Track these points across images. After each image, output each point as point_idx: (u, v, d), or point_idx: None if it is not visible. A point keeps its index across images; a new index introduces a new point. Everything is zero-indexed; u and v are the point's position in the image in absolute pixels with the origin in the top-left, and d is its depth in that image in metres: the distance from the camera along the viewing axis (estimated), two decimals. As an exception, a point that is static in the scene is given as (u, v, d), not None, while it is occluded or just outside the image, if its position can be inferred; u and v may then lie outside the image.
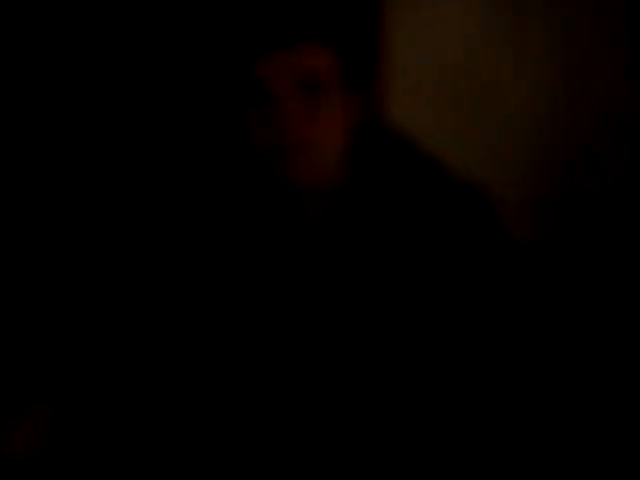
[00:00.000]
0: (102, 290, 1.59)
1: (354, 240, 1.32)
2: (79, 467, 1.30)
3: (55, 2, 1.69)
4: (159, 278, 1.38)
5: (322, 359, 1.31)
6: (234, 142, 1.39)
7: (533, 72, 1.97)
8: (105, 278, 1.60)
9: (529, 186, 1.97)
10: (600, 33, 1.96)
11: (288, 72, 1.27)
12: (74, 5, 1.70)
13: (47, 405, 1.30)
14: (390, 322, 1.29)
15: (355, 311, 1.30)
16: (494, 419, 1.27)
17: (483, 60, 1.86)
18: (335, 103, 1.30)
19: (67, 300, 1.62)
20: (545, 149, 2.00)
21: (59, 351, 1.45)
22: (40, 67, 1.70)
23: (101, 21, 1.73)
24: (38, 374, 1.39)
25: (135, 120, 1.76)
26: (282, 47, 1.26)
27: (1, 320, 1.59)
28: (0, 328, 1.58)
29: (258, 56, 1.27)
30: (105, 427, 1.33)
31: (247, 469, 1.30)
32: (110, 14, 1.74)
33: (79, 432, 1.32)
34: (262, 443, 1.30)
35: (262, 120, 1.28)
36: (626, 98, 1.98)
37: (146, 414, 1.33)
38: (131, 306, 1.38)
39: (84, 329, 1.45)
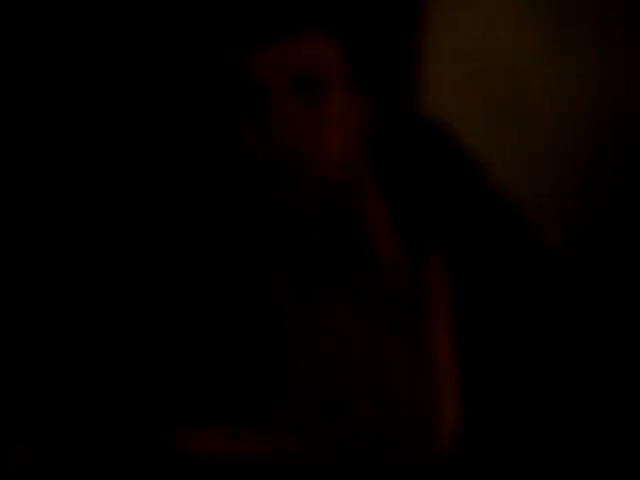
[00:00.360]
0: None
1: None
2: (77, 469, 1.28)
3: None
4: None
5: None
6: (224, 151, 1.28)
7: (574, 72, 1.91)
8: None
9: (565, 192, 1.91)
10: None
11: (282, 65, 1.15)
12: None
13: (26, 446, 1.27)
14: None
15: None
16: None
17: (525, 60, 1.81)
18: (338, 102, 1.18)
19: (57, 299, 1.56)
20: (584, 152, 1.94)
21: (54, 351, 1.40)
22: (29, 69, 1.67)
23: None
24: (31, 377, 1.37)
25: (123, 121, 1.70)
26: (276, 37, 1.15)
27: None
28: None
29: (249, 46, 1.15)
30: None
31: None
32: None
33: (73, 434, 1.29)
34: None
35: (254, 124, 1.17)
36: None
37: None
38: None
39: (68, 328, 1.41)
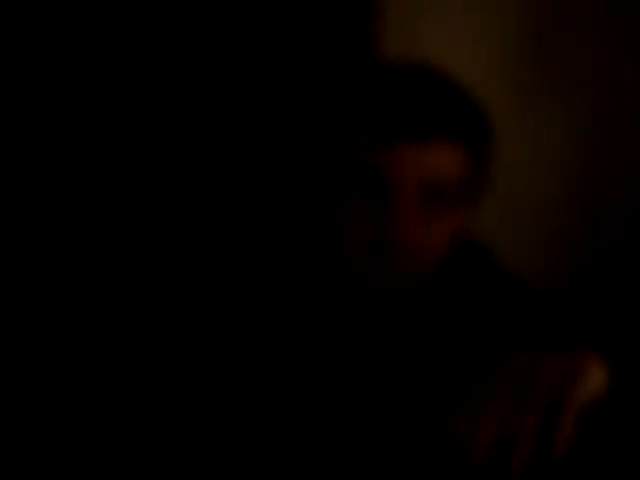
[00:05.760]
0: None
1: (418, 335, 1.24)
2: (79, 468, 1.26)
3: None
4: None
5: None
6: (314, 224, 1.30)
7: (551, 152, 1.92)
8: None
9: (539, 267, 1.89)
10: (618, 114, 1.92)
11: (416, 169, 1.15)
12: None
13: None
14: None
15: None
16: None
17: (499, 125, 1.82)
18: (454, 212, 1.19)
19: (71, 302, 1.58)
20: (556, 228, 1.95)
21: (60, 352, 1.41)
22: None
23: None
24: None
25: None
26: (419, 139, 1.14)
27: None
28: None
29: (388, 143, 1.15)
30: (106, 429, 1.27)
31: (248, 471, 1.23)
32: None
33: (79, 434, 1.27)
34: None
35: (367, 210, 1.17)
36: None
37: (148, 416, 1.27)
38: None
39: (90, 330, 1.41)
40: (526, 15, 1.85)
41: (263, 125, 1.71)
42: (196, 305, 1.30)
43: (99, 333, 1.37)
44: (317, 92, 1.69)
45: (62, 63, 1.64)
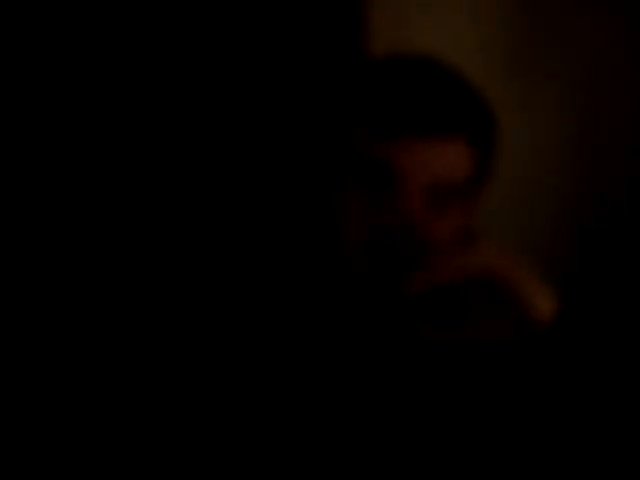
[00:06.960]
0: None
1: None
2: (77, 466, 1.26)
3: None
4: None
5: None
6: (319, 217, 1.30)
7: (542, 143, 1.91)
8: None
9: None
10: (613, 103, 1.91)
11: (424, 164, 1.15)
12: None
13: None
14: None
15: None
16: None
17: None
18: (459, 210, 1.20)
19: (70, 302, 1.57)
20: (550, 211, 1.94)
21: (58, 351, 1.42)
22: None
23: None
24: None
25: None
26: (433, 133, 1.15)
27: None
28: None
29: (397, 136, 1.15)
30: (105, 429, 1.26)
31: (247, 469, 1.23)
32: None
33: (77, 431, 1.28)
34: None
35: (372, 204, 1.17)
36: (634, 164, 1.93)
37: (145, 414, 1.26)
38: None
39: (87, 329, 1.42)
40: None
41: (266, 122, 1.70)
42: (195, 302, 1.29)
43: (98, 333, 1.38)
44: (317, 87, 1.69)
45: (62, 63, 1.62)
